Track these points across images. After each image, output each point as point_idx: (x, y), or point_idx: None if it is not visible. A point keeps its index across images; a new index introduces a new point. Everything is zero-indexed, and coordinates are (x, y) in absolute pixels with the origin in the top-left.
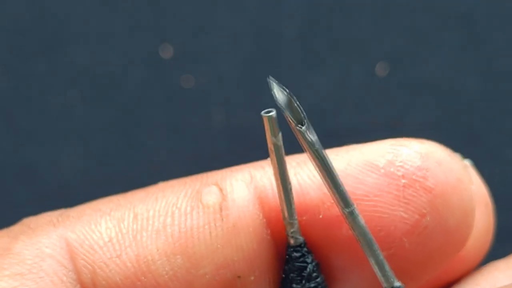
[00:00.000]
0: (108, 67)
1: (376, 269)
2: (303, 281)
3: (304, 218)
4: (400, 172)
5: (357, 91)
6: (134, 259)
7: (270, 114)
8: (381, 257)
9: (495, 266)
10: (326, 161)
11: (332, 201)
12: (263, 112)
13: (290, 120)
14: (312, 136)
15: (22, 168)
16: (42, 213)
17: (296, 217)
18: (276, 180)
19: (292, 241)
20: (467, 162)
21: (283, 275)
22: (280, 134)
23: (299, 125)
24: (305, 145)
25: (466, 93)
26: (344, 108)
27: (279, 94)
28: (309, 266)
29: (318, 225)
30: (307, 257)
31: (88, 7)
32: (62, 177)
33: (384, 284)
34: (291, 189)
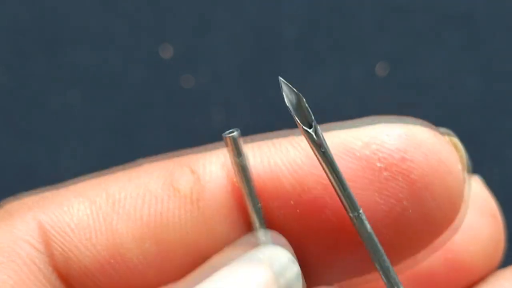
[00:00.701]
0: (108, 67)
1: (381, 274)
2: None
3: (276, 203)
4: (376, 155)
5: (357, 91)
6: (104, 242)
7: (232, 134)
8: (387, 263)
9: (502, 275)
10: (334, 164)
11: (306, 188)
12: (225, 133)
13: (297, 122)
14: (320, 139)
15: (22, 168)
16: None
17: (262, 220)
18: (244, 199)
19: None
20: (453, 140)
21: None
22: (244, 154)
23: (307, 128)
24: (312, 148)
25: (466, 93)
26: (344, 108)
27: (288, 94)
28: None
29: (290, 211)
30: None
31: (88, 7)
32: (62, 177)
33: None
34: (260, 208)
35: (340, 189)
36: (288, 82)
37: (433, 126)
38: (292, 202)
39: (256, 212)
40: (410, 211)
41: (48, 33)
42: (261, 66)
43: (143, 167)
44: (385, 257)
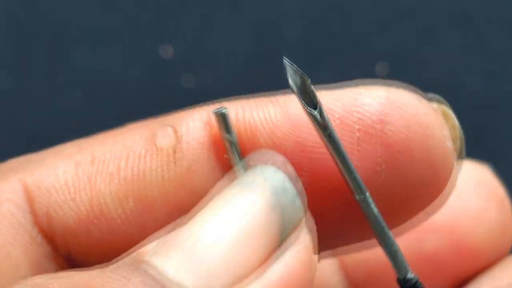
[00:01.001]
0: (108, 67)
1: (389, 258)
2: None
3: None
4: (354, 117)
5: None
6: (87, 202)
7: (222, 111)
8: (395, 246)
9: (510, 262)
10: (339, 146)
11: (281, 150)
12: (214, 109)
13: (301, 103)
14: (325, 121)
15: None
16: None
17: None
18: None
19: None
20: (444, 109)
21: None
22: (234, 131)
23: (311, 109)
24: (317, 129)
25: (466, 93)
26: None
27: (292, 75)
28: None
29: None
30: None
31: (88, 7)
32: None
33: (397, 274)
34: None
35: (346, 171)
36: (287, 82)
37: (420, 92)
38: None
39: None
40: (389, 175)
41: (48, 33)
42: (261, 66)
43: (128, 127)
44: (392, 240)
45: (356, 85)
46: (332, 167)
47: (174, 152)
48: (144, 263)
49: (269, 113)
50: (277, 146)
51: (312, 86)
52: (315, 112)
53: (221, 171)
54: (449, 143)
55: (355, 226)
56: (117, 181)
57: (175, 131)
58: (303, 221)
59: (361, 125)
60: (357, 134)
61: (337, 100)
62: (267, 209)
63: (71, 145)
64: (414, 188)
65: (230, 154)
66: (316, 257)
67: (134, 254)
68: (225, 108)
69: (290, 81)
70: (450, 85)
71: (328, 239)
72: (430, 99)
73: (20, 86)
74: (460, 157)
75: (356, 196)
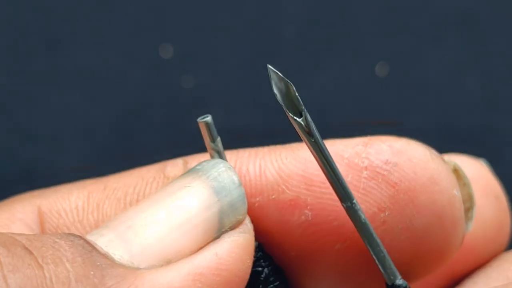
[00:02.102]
0: (108, 67)
1: (378, 265)
2: (260, 286)
3: (258, 199)
4: (364, 163)
5: (357, 91)
6: (93, 224)
7: (205, 119)
8: (384, 253)
9: (505, 258)
10: (326, 152)
11: (288, 185)
12: (199, 118)
13: (285, 110)
14: (310, 128)
15: (22, 168)
16: None
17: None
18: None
19: None
20: (456, 167)
21: None
22: (218, 139)
23: (295, 117)
24: (302, 137)
25: (466, 93)
26: (344, 108)
27: (277, 82)
28: (265, 270)
29: (270, 208)
30: (263, 261)
31: (88, 7)
32: (62, 177)
33: (387, 281)
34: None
35: (333, 178)
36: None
37: (436, 152)
38: (273, 196)
39: None
40: (393, 222)
41: (48, 33)
42: (261, 66)
43: (148, 165)
44: (381, 247)
45: (366, 138)
46: (338, 209)
47: None
48: (75, 236)
49: (279, 153)
50: (285, 181)
51: (296, 93)
52: (299, 120)
53: None
54: (456, 193)
55: (360, 271)
56: (122, 205)
57: (185, 163)
58: (246, 213)
59: (369, 164)
60: (364, 173)
61: (347, 145)
62: (208, 193)
63: (90, 180)
64: (420, 239)
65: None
66: (251, 253)
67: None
68: (209, 116)
69: (274, 89)
70: (450, 85)
71: (331, 284)
72: (445, 160)
73: (20, 86)
74: (468, 217)
75: (343, 203)
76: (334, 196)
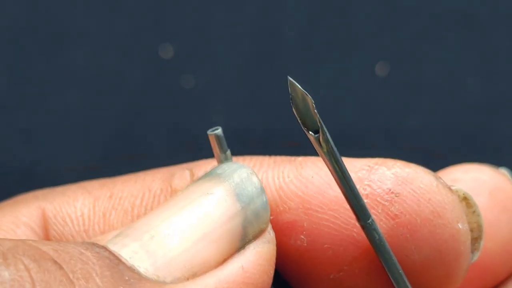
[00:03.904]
0: (108, 67)
1: (394, 283)
2: None
3: None
4: (366, 190)
5: (357, 91)
6: (99, 234)
7: (216, 131)
8: (400, 271)
9: None
10: (344, 170)
11: (286, 207)
12: (209, 130)
13: (304, 129)
14: (329, 144)
15: (22, 168)
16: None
17: None
18: None
19: None
20: (466, 195)
21: None
22: (228, 152)
23: (312, 132)
24: (320, 153)
25: (466, 93)
26: (344, 108)
27: (296, 97)
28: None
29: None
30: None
31: (88, 7)
32: (62, 177)
33: None
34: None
35: (350, 196)
36: (287, 82)
37: (445, 181)
38: (271, 217)
39: None
40: (392, 250)
41: (48, 33)
42: (261, 66)
43: (152, 170)
44: (397, 265)
45: (372, 161)
46: (334, 237)
47: None
48: (99, 247)
49: (282, 170)
50: (284, 202)
51: (315, 108)
52: (316, 136)
53: None
54: (461, 227)
55: None
56: (130, 218)
57: (192, 175)
58: (268, 222)
59: (370, 192)
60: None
61: (351, 168)
62: (231, 201)
63: (95, 182)
64: (418, 272)
65: None
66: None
67: (92, 239)
68: (219, 128)
69: (293, 103)
70: (450, 85)
71: None
72: (454, 190)
73: (20, 86)
74: (475, 247)
75: (361, 222)
76: (331, 223)
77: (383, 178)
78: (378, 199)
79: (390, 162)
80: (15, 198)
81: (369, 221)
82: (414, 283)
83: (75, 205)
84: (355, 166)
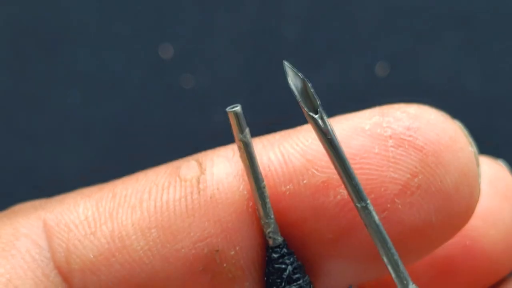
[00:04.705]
0: (108, 67)
1: (390, 269)
2: (283, 284)
3: (288, 187)
4: (387, 132)
5: (357, 91)
6: (108, 235)
7: (235, 109)
8: (396, 256)
9: None
10: (340, 151)
11: (317, 169)
12: (228, 108)
13: (303, 108)
14: (326, 126)
15: (22, 168)
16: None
17: (272, 216)
18: (248, 178)
19: (270, 242)
20: (500, 162)
21: (265, 278)
22: (247, 130)
23: (312, 113)
24: (317, 134)
25: (466, 93)
26: (344, 108)
27: (293, 79)
28: (289, 267)
29: (303, 193)
30: (287, 258)
31: (88, 7)
32: (62, 177)
33: (398, 286)
34: (264, 187)
35: (346, 178)
36: (287, 82)
37: (447, 115)
38: (304, 182)
39: (261, 190)
40: (426, 185)
41: (48, 33)
42: (261, 66)
43: (150, 169)
44: (393, 250)
45: (378, 108)
46: (373, 182)
47: (198, 182)
48: None
49: (297, 137)
50: (313, 164)
51: (312, 89)
52: (317, 117)
53: (247, 201)
54: (472, 149)
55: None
56: (139, 212)
57: (199, 163)
58: None
59: (392, 133)
60: (390, 142)
61: (363, 117)
62: None
63: (92, 187)
64: (451, 197)
65: (244, 154)
66: None
67: None
68: (238, 106)
69: (291, 85)
70: (450, 85)
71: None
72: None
73: (20, 86)
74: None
75: (357, 203)
76: (364, 166)
77: (398, 118)
78: (401, 136)
79: (394, 105)
80: (12, 208)
81: (367, 202)
82: (446, 212)
83: (76, 211)
84: (366, 115)
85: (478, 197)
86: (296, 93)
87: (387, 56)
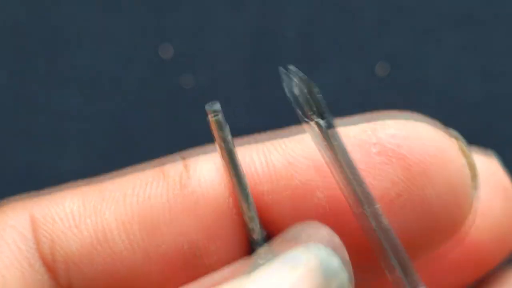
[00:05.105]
0: (108, 67)
1: (400, 272)
2: None
3: (266, 188)
4: (372, 139)
5: (357, 91)
6: (91, 229)
7: (213, 107)
8: (407, 259)
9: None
10: (348, 156)
11: (298, 170)
12: (207, 105)
13: (308, 113)
14: (334, 130)
15: (22, 168)
16: None
17: (255, 210)
18: (230, 175)
19: (254, 236)
20: (463, 145)
21: None
22: (227, 128)
23: (316, 119)
24: (325, 140)
25: (466, 93)
26: (344, 108)
27: (299, 83)
28: None
29: (283, 194)
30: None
31: (88, 7)
32: (62, 177)
33: (407, 287)
34: (246, 182)
35: (354, 182)
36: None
37: (441, 126)
38: (283, 184)
39: (242, 185)
40: (407, 195)
41: (48, 33)
42: (261, 66)
43: (139, 166)
44: (404, 253)
45: (376, 117)
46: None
47: (181, 178)
48: None
49: (282, 140)
50: (293, 166)
51: (319, 94)
52: (322, 122)
53: (229, 199)
54: (463, 160)
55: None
56: (122, 207)
57: (184, 160)
58: None
59: (379, 145)
60: (374, 149)
61: (352, 123)
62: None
63: (81, 183)
64: (434, 208)
65: (224, 151)
66: None
67: None
68: (217, 103)
69: (296, 89)
70: (450, 85)
71: None
72: (450, 135)
73: (20, 86)
74: (474, 185)
75: (366, 208)
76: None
77: (385, 126)
78: (386, 144)
79: (383, 113)
80: (1, 204)
81: (376, 206)
82: (429, 221)
83: (63, 204)
84: (353, 120)
85: (469, 209)
86: (300, 97)
87: (387, 56)
